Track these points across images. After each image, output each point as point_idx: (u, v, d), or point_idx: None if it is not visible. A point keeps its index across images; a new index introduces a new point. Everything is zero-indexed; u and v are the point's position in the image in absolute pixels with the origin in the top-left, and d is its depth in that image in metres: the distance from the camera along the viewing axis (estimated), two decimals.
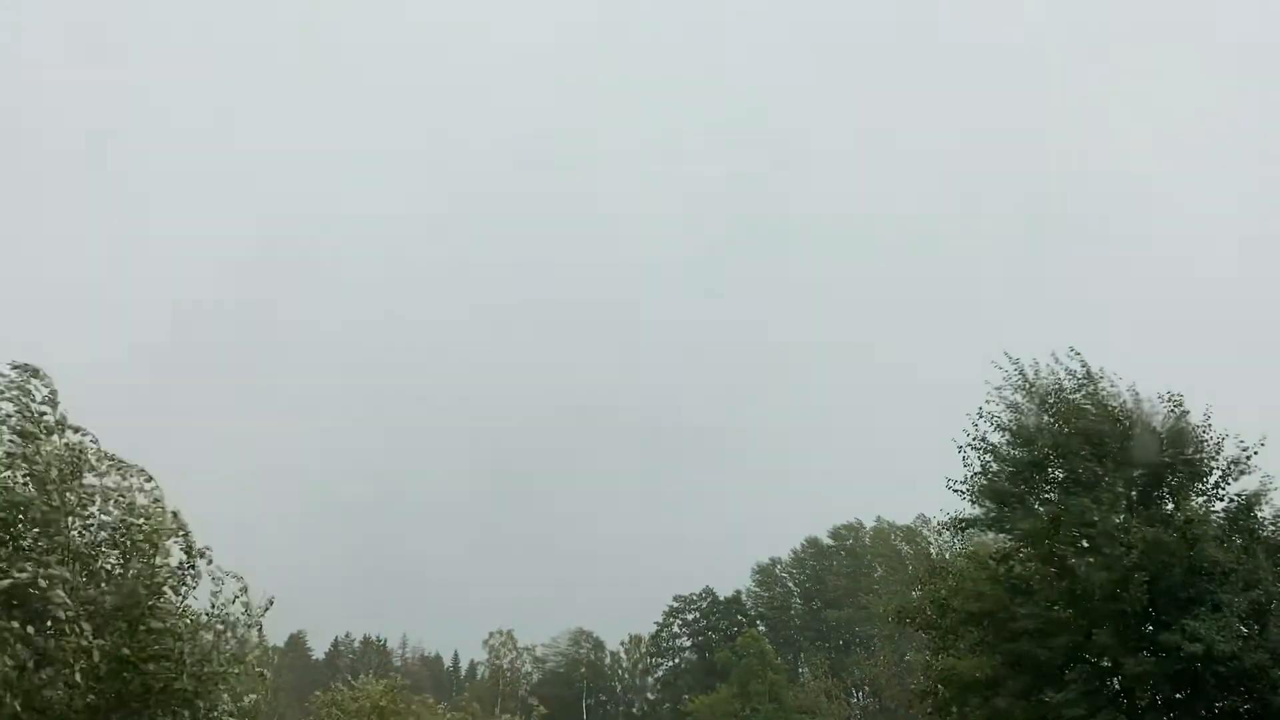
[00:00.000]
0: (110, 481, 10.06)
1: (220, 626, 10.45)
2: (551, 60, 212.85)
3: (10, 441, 9.51)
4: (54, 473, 9.20)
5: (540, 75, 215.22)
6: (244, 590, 11.07)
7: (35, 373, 9.92)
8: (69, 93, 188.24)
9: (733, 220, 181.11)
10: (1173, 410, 20.79)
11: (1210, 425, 20.56)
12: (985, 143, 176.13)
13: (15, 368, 9.84)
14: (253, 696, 11.22)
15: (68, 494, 9.41)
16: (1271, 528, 19.86)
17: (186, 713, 9.92)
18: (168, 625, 9.67)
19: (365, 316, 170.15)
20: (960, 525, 23.21)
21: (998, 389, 22.05)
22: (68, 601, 8.75)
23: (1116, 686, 19.29)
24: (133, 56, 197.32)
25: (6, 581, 8.45)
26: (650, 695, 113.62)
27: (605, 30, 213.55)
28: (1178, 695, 19.05)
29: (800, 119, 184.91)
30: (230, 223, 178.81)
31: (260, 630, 11.14)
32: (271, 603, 11.34)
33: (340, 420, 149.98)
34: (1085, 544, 20.18)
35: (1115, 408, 21.05)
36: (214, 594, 10.63)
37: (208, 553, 10.50)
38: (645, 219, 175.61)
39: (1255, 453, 20.03)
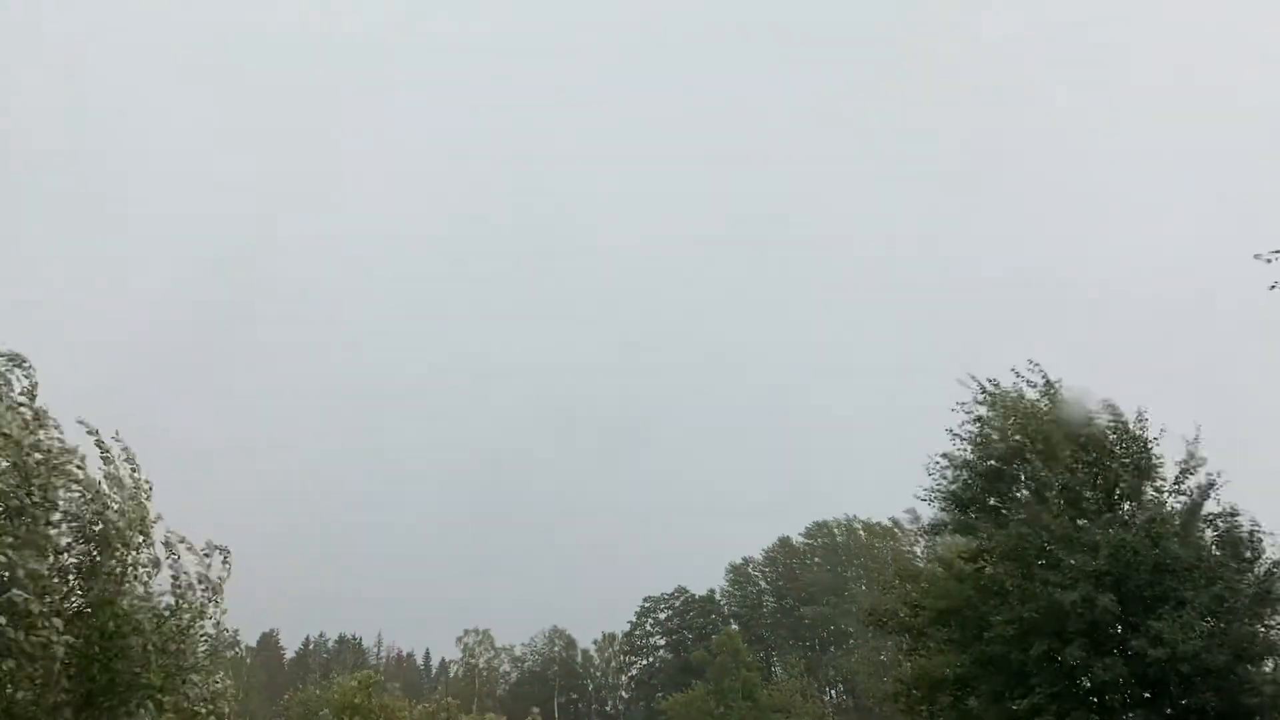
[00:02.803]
0: (77, 471, 9.81)
1: (184, 616, 10.28)
2: (537, 64, 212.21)
3: None
4: (34, 464, 8.96)
5: (523, 77, 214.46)
6: (207, 562, 10.75)
7: (20, 362, 9.56)
8: (47, 88, 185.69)
9: (714, 222, 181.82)
10: (1113, 414, 21.37)
11: (1146, 424, 21.22)
12: (969, 159, 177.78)
13: (1, 355, 9.48)
14: (226, 682, 11.06)
15: (43, 487, 9.19)
16: (1225, 523, 20.23)
17: (150, 704, 9.78)
18: (135, 622, 9.53)
19: (345, 323, 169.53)
20: (933, 531, 23.85)
21: (962, 404, 22.84)
22: (30, 598, 8.56)
23: (1087, 685, 19.53)
24: (117, 57, 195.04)
25: None
26: (624, 694, 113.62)
27: (593, 33, 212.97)
28: (1146, 695, 19.31)
29: (786, 127, 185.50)
30: (213, 228, 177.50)
31: (221, 597, 10.79)
32: (228, 555, 10.85)
33: (312, 421, 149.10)
34: (1050, 547, 20.43)
35: (1066, 415, 21.65)
36: (174, 579, 10.38)
37: (171, 537, 10.27)
38: (627, 220, 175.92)
39: (1197, 441, 20.62)
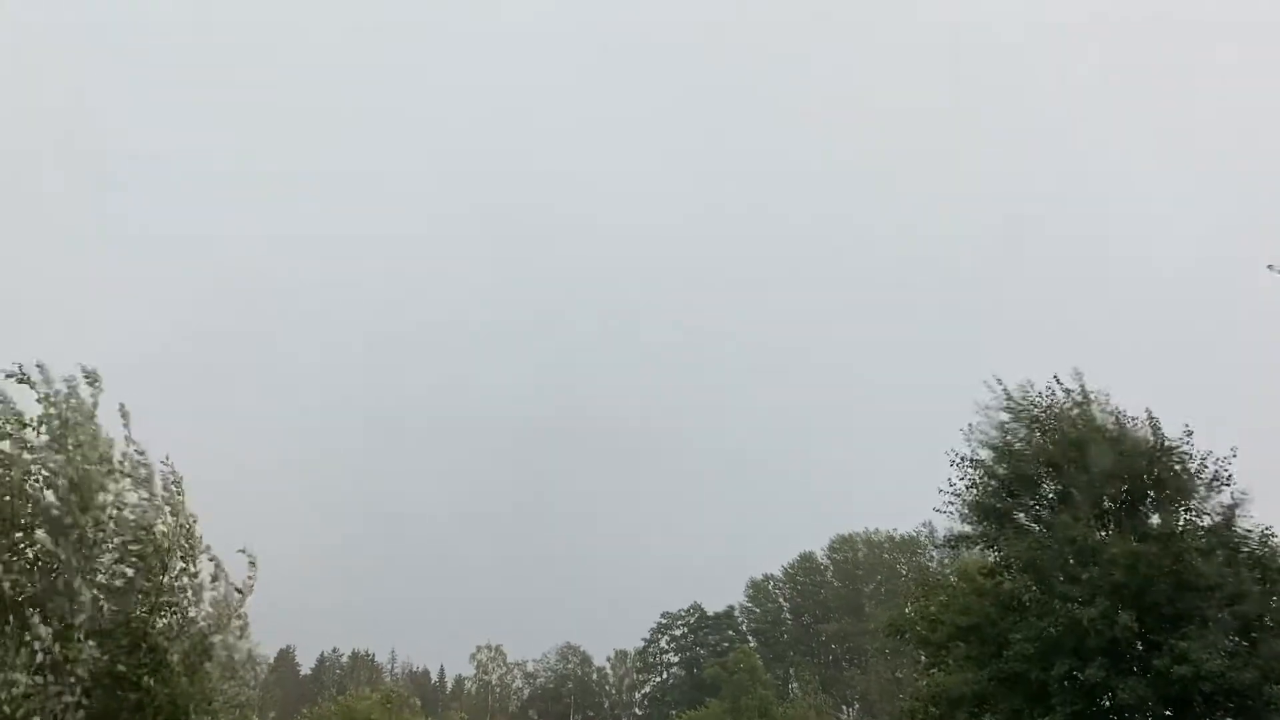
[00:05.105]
0: (127, 486, 9.99)
1: (217, 638, 10.34)
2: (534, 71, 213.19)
3: (47, 449, 9.43)
4: (89, 482, 9.19)
5: (525, 87, 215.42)
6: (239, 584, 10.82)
7: (94, 380, 9.82)
8: (64, 97, 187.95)
9: (724, 232, 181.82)
10: (1153, 427, 21.11)
11: (1190, 442, 20.89)
12: (969, 158, 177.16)
13: (85, 374, 9.75)
14: (251, 689, 11.10)
15: (93, 507, 9.35)
16: (1253, 542, 20.00)
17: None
18: (168, 642, 9.62)
19: (358, 337, 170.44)
20: (952, 543, 23.66)
21: (985, 409, 22.56)
22: (87, 602, 8.81)
23: (1107, 704, 19.36)
24: (125, 64, 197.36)
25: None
26: (638, 711, 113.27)
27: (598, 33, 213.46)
28: (1168, 713, 19.13)
29: (788, 128, 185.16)
30: (233, 232, 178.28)
31: (243, 608, 10.83)
32: (254, 562, 10.85)
33: (328, 439, 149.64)
34: (1071, 560, 20.30)
35: (1101, 424, 21.36)
36: (213, 596, 10.47)
37: (209, 552, 10.40)
38: (638, 231, 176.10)
39: (1230, 461, 20.32)
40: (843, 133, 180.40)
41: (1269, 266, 15.14)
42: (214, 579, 10.39)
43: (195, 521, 10.34)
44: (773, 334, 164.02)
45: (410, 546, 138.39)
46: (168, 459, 10.33)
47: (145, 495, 10.10)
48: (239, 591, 10.58)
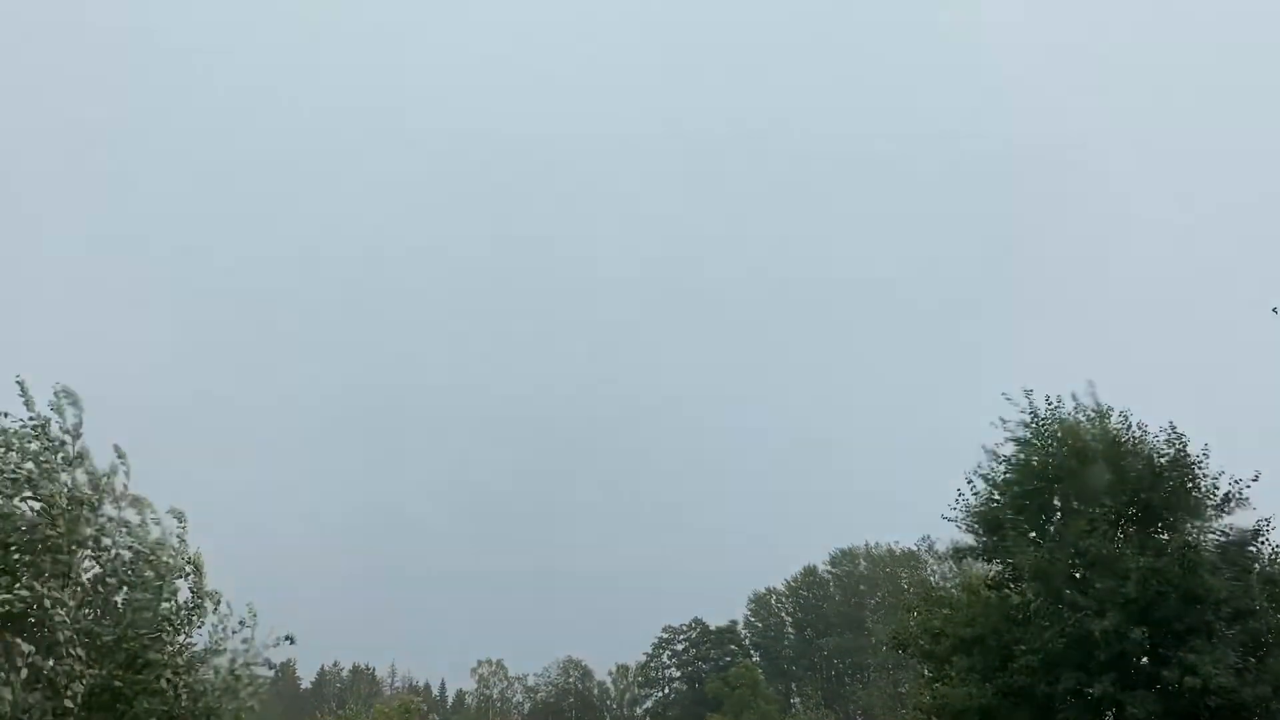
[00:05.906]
0: (129, 514, 9.98)
1: (221, 663, 10.29)
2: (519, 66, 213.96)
3: (24, 469, 9.40)
4: (63, 502, 9.15)
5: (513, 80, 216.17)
6: (253, 617, 10.82)
7: (73, 400, 9.83)
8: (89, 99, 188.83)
9: (728, 232, 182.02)
10: (1170, 442, 20.99)
11: (1207, 459, 20.73)
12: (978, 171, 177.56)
13: (58, 392, 9.76)
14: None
15: (81, 525, 9.31)
16: (1269, 561, 19.88)
17: None
18: (165, 659, 9.56)
19: (358, 347, 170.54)
20: (958, 555, 23.54)
21: (1004, 422, 22.42)
22: (66, 620, 8.77)
23: (1111, 719, 19.25)
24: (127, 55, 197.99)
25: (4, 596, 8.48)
26: None
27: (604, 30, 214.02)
28: None
29: (795, 141, 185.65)
30: (231, 231, 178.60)
31: (268, 664, 10.87)
32: (290, 640, 11.04)
33: (327, 448, 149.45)
34: (1079, 574, 20.19)
35: (1115, 438, 21.27)
36: (216, 628, 10.44)
37: (218, 595, 10.39)
38: (637, 227, 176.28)
39: (1248, 486, 20.16)
40: (846, 136, 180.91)
41: (1274, 310, 15.31)
42: (214, 603, 10.31)
43: (186, 544, 10.28)
44: (774, 341, 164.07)
45: (411, 559, 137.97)
46: (137, 493, 10.27)
47: (151, 517, 10.06)
48: (271, 669, 10.54)
